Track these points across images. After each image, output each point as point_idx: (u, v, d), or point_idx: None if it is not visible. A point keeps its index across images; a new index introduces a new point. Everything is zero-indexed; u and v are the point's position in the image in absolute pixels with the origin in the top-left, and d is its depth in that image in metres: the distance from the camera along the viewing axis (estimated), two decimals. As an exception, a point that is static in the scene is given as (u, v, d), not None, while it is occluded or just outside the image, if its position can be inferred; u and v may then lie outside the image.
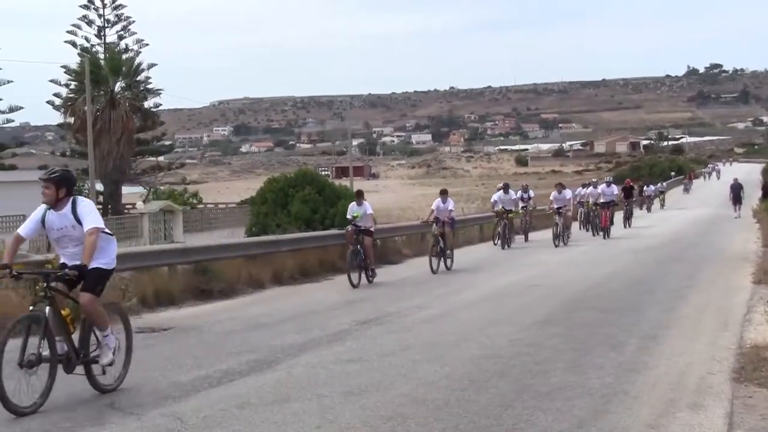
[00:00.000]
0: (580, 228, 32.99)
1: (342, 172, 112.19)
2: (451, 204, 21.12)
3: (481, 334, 10.92)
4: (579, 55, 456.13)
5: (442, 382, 8.27)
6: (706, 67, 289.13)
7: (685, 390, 7.94)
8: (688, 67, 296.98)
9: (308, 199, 23.81)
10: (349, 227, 17.95)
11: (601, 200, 30.83)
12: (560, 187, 29.01)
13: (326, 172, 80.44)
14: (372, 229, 18.39)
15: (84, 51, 57.91)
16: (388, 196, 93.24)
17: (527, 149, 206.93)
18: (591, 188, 33.05)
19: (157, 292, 14.31)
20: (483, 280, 17.67)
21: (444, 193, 21.35)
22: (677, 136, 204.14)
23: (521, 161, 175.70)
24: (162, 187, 59.98)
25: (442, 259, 19.86)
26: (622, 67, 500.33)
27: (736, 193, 42.61)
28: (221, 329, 11.95)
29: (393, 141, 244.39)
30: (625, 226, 35.32)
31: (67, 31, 59.94)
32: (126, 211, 50.47)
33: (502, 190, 27.52)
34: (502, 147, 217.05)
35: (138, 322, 12.54)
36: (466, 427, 6.74)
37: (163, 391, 8.03)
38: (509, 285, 16.57)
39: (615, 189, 32.16)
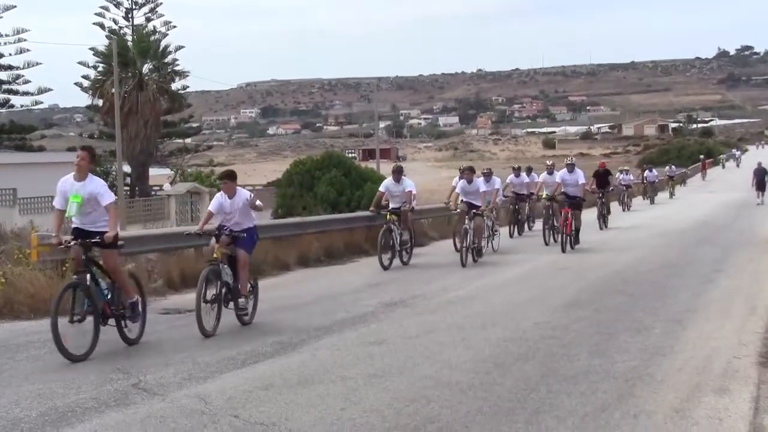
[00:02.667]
0: (513, 232, 24.17)
1: (369, 154, 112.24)
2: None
3: (507, 317, 10.89)
4: (608, 37, 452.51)
5: (466, 365, 8.25)
6: (737, 49, 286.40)
7: (711, 374, 7.88)
8: (719, 49, 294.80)
9: (334, 181, 23.82)
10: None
11: (562, 191, 20.68)
12: (468, 173, 18.67)
13: (353, 155, 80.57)
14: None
15: (112, 33, 58.11)
16: (415, 179, 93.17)
17: (555, 132, 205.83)
18: (544, 175, 22.79)
19: (183, 273, 14.35)
20: (509, 263, 17.58)
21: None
22: (707, 119, 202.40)
23: (549, 144, 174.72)
24: (189, 169, 60.19)
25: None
26: (651, 50, 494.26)
27: (760, 177, 39.64)
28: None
29: (420, 123, 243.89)
30: (601, 227, 25.83)
31: (96, 13, 60.14)
32: (153, 192, 50.74)
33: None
34: (530, 130, 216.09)
35: (164, 303, 12.65)
36: (491, 410, 6.73)
37: (188, 372, 8.08)
38: (536, 268, 16.49)
39: (580, 176, 20.87)
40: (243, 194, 11.03)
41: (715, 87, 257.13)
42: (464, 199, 18.17)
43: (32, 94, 58.70)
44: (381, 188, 18.11)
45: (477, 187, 18.36)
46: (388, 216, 17.32)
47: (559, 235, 19.93)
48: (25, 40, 57.44)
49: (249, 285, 10.98)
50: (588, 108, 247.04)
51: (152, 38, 55.09)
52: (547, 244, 20.53)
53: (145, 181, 52.77)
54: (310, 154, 30.39)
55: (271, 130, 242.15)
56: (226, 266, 10.56)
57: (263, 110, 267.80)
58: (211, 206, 11.20)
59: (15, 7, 57.58)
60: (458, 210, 18.16)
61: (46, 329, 9.15)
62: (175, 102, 56.30)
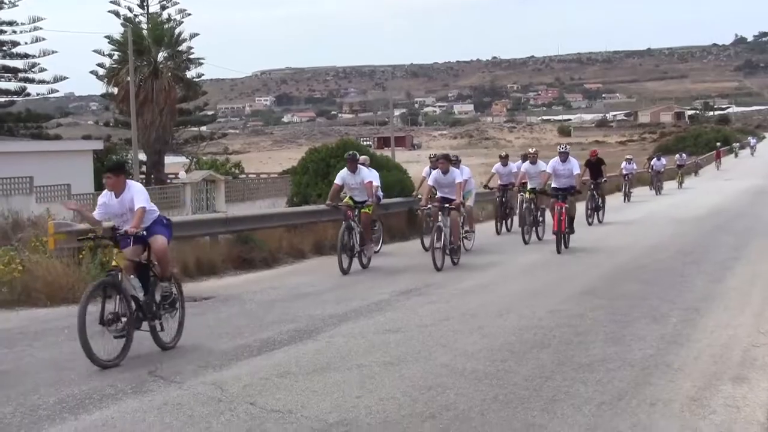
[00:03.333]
0: (500, 228, 21.68)
1: (384, 142, 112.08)
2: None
3: (522, 305, 10.87)
4: (624, 23, 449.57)
5: (481, 353, 8.24)
6: (754, 36, 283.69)
7: (729, 363, 7.84)
8: (736, 35, 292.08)
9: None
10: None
11: (553, 184, 18.41)
12: (443, 163, 16.12)
13: (368, 143, 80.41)
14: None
15: (127, 21, 58.27)
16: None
17: (570, 119, 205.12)
18: (524, 164, 20.99)
19: (198, 261, 14.42)
20: (524, 252, 17.52)
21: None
22: (723, 106, 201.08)
23: (564, 131, 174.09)
24: (204, 157, 60.34)
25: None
26: (667, 36, 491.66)
27: None
28: (262, 299, 12.02)
29: (435, 111, 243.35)
30: (589, 222, 23.54)
31: (111, 1, 60.29)
32: (168, 180, 50.91)
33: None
34: (545, 117, 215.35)
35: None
36: (506, 398, 6.72)
37: (204, 360, 8.10)
38: (551, 256, 16.44)
39: (575, 166, 18.69)
40: (133, 189, 8.73)
41: (732, 74, 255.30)
42: (439, 194, 15.87)
43: (48, 83, 59.11)
44: (337, 180, 15.76)
45: (453, 178, 15.65)
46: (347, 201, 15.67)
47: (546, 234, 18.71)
48: (40, 28, 57.89)
49: (171, 287, 9.01)
50: (604, 95, 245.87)
51: (167, 26, 55.24)
52: (526, 243, 18.45)
53: (161, 169, 52.93)
54: (325, 142, 30.29)
55: (285, 118, 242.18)
56: (133, 277, 8.53)
57: (278, 98, 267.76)
58: (97, 211, 8.78)
59: (30, -5, 57.85)
60: (429, 207, 15.45)
61: (63, 316, 9.22)
62: (190, 90, 56.45)
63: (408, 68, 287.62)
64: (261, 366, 7.88)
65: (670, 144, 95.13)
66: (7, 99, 58.58)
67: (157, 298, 8.66)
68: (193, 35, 56.57)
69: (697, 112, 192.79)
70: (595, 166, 25.56)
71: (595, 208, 24.43)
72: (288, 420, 6.25)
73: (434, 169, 16.79)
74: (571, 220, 17.84)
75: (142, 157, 50.12)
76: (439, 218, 14.86)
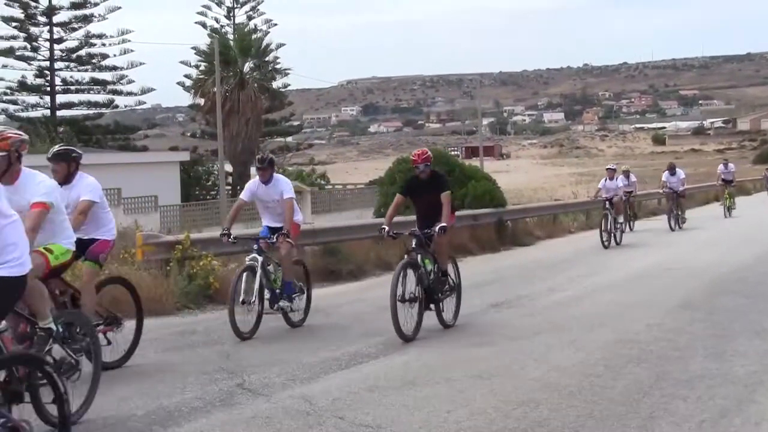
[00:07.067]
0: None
1: (472, 152, 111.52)
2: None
3: (616, 319, 10.59)
4: (721, 27, 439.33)
5: (575, 368, 8.02)
6: None
7: (839, 381, 7.45)
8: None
9: (438, 179, 23.62)
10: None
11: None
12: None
13: (456, 152, 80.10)
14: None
15: (214, 32, 59.35)
16: (519, 177, 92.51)
17: (665, 127, 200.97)
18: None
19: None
20: (616, 263, 17.13)
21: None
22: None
23: (658, 140, 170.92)
24: (290, 168, 60.89)
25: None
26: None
27: None
28: (350, 311, 11.97)
29: (524, 120, 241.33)
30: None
31: (198, 12, 61.59)
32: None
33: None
34: (638, 125, 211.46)
35: (265, 303, 12.69)
36: (601, 414, 6.50)
37: (292, 373, 8.06)
38: (645, 267, 16.03)
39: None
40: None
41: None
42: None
43: (136, 95, 60.00)
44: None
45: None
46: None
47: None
48: (128, 40, 58.70)
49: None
50: (700, 102, 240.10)
51: (253, 36, 55.81)
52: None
53: (247, 180, 53.52)
54: (413, 152, 30.18)
55: (372, 128, 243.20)
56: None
57: (364, 108, 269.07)
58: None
59: (120, 8, 59.08)
60: None
61: (153, 328, 9.31)
62: (276, 100, 56.99)
63: (496, 76, 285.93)
64: (349, 379, 7.80)
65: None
66: (95, 111, 59.73)
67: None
68: (280, 45, 56.85)
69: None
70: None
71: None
72: (377, 435, 6.15)
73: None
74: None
75: (229, 168, 50.74)
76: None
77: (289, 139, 68.04)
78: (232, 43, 54.10)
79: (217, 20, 61.57)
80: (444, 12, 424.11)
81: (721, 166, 32.44)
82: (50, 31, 57.93)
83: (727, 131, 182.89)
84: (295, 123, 75.38)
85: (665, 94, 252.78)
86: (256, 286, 10.09)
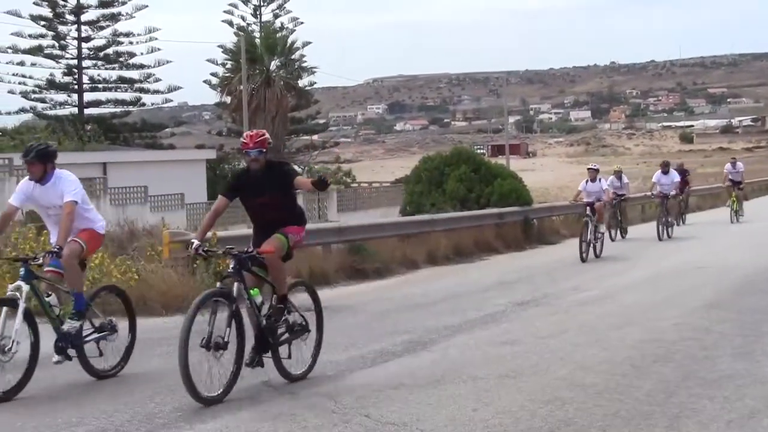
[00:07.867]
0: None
1: (498, 150, 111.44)
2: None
3: (643, 317, 10.52)
4: (750, 24, 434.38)
5: (601, 367, 7.98)
6: None
7: None
8: None
9: (464, 178, 23.54)
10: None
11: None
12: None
13: (482, 151, 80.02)
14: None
15: (240, 30, 59.52)
16: (545, 175, 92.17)
17: (692, 126, 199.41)
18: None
19: (311, 271, 14.46)
20: (643, 261, 17.03)
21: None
22: None
23: (686, 138, 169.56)
24: (316, 166, 61.00)
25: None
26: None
27: None
28: (375, 309, 11.98)
29: (550, 118, 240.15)
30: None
31: (224, 11, 61.79)
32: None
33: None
34: (666, 123, 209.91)
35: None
36: (628, 414, 6.46)
37: (317, 370, 8.06)
38: (672, 266, 15.92)
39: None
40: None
41: None
42: None
43: (162, 93, 60.35)
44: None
45: None
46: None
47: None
48: (155, 39, 59.46)
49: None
50: (729, 100, 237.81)
51: (279, 35, 55.89)
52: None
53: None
54: (438, 150, 30.22)
55: (398, 126, 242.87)
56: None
57: (390, 106, 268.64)
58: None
59: (147, 6, 59.41)
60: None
61: (179, 325, 9.28)
62: (302, 98, 57.04)
63: (523, 74, 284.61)
64: (375, 377, 7.80)
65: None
66: (122, 109, 60.16)
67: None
68: (306, 43, 56.77)
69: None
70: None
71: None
72: (402, 433, 6.14)
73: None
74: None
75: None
76: None
77: (315, 137, 68.13)
78: (258, 41, 54.20)
79: (243, 18, 61.79)
80: (471, 10, 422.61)
81: (728, 166, 29.53)
82: (78, 30, 58.40)
83: (756, 129, 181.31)
84: (321, 121, 75.39)
85: (693, 92, 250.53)
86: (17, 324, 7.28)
